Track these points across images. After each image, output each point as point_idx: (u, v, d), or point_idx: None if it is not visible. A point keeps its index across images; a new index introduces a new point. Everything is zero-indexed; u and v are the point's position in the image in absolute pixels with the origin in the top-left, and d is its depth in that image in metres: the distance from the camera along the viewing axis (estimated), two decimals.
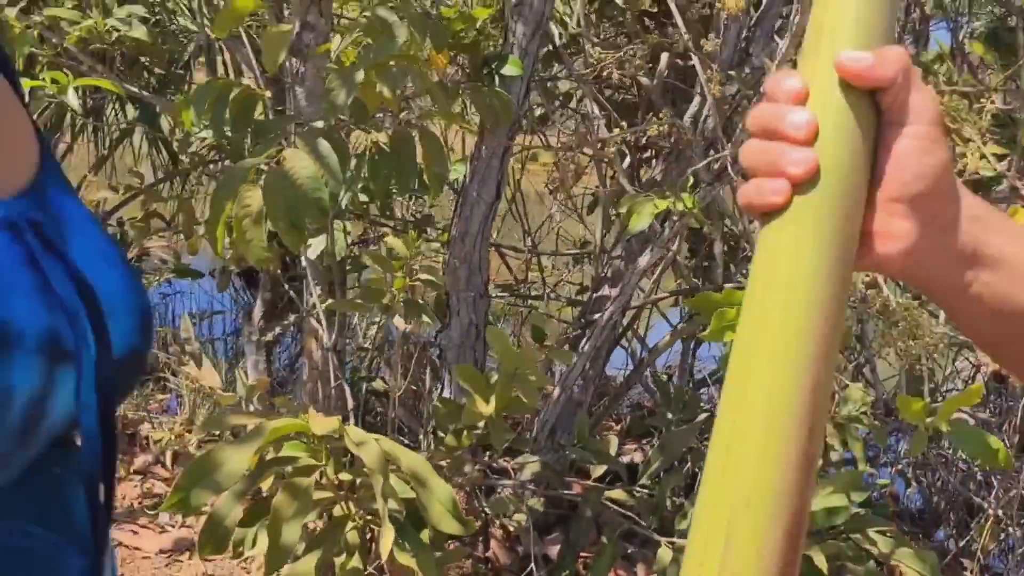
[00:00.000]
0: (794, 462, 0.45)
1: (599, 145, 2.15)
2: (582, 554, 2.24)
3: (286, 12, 2.03)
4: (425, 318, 1.72)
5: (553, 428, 2.34)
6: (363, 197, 2.31)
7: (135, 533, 2.30)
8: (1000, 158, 1.89)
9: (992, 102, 1.91)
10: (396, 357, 2.58)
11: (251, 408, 2.16)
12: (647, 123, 2.26)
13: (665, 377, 2.88)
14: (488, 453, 2.31)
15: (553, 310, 2.97)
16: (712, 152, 2.21)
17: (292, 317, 2.57)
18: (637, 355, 2.73)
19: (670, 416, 2.49)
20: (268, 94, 1.68)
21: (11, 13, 1.84)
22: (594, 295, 2.39)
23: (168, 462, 2.53)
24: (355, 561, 1.54)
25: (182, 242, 2.69)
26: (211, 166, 2.75)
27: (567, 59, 2.38)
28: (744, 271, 2.54)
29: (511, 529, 2.24)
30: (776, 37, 2.27)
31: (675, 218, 2.16)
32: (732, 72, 2.19)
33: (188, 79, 3.39)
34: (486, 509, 2.19)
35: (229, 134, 1.64)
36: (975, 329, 0.56)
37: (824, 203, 0.47)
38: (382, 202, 2.35)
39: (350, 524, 1.47)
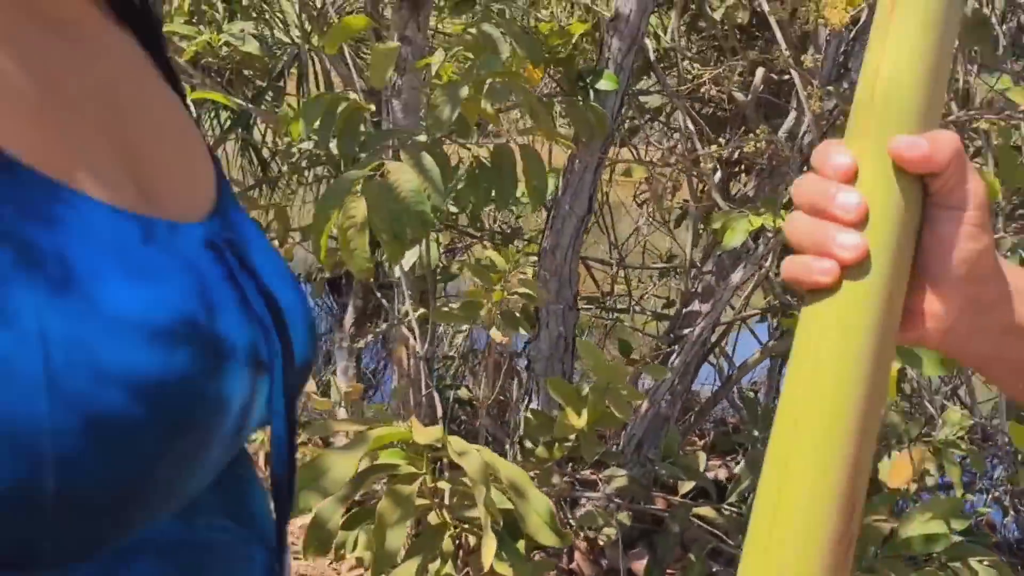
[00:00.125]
0: (835, 542, 0.46)
1: (694, 160, 2.14)
2: (667, 570, 2.23)
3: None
4: (522, 331, 1.74)
5: (640, 442, 2.33)
6: (453, 208, 2.35)
7: None
8: None
9: None
10: (482, 367, 2.61)
11: (343, 414, 2.21)
12: (740, 138, 2.25)
13: (751, 394, 2.84)
14: (570, 464, 2.32)
15: (638, 323, 2.97)
16: (808, 168, 2.19)
17: (383, 325, 2.62)
18: (724, 371, 2.71)
19: (756, 433, 2.46)
20: (372, 108, 1.72)
21: None
22: (684, 310, 2.38)
23: (262, 463, 2.60)
24: (448, 568, 1.57)
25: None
26: (306, 174, 2.82)
27: (660, 73, 2.38)
28: None
29: (596, 542, 2.25)
30: None
31: (770, 235, 2.14)
32: (830, 87, 2.16)
33: (283, 90, 3.49)
34: (571, 521, 2.19)
35: (334, 146, 1.69)
36: (1018, 392, 0.57)
37: (871, 285, 0.47)
38: (472, 213, 2.38)
39: (449, 532, 1.50)
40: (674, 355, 2.30)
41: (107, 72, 0.52)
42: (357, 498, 1.70)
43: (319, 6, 2.56)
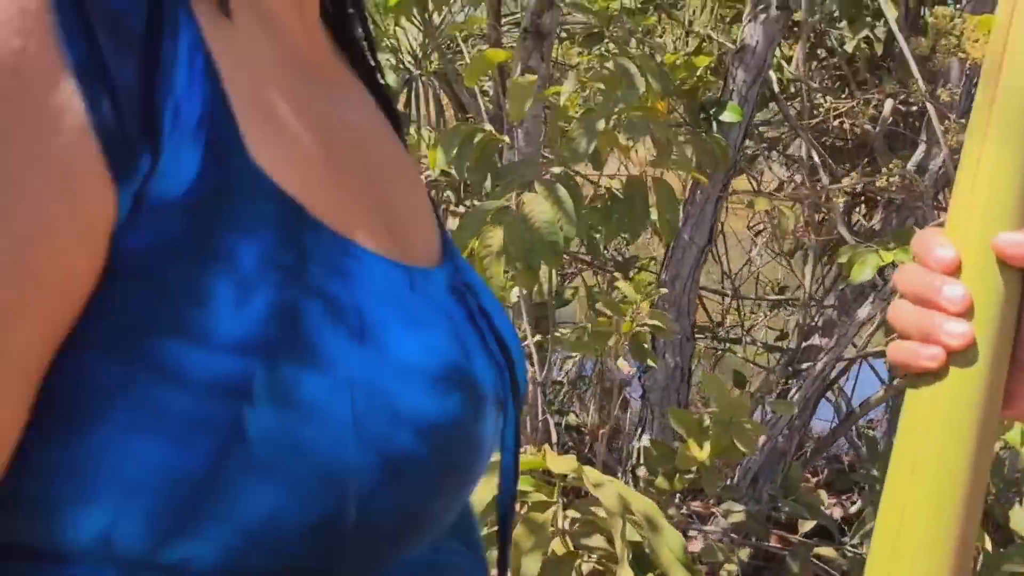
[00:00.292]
0: None
1: (821, 193, 2.12)
2: None
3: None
4: (650, 362, 1.74)
5: (755, 476, 2.30)
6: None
7: None
8: None
9: None
10: (590, 393, 2.62)
11: None
12: (865, 170, 2.21)
13: (869, 431, 2.77)
14: (676, 495, 2.30)
15: (750, 354, 2.93)
16: (939, 202, 2.14)
17: None
18: (842, 407, 2.65)
19: (876, 473, 2.40)
20: (506, 140, 1.76)
21: None
22: (803, 344, 2.35)
23: None
24: None
25: None
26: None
27: (784, 105, 2.36)
28: None
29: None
30: None
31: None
32: (964, 120, 2.11)
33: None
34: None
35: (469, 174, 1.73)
36: None
37: (977, 369, 0.51)
38: (591, 242, 2.40)
39: (577, 561, 1.51)
40: (793, 389, 2.27)
41: (356, 119, 0.55)
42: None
43: (435, 35, 2.62)
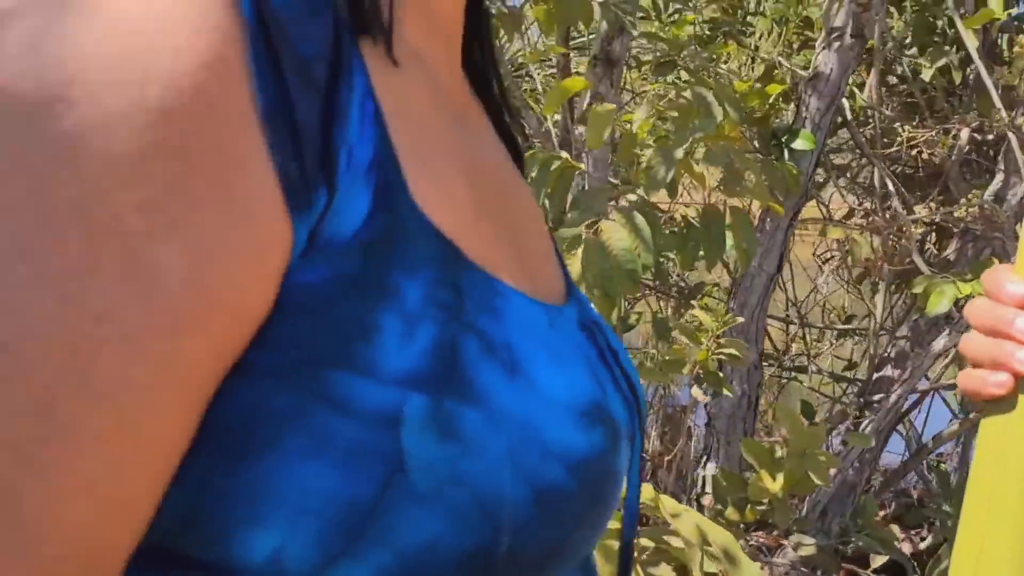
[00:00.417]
0: None
1: (898, 222, 2.09)
2: None
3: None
4: (727, 391, 1.73)
5: (824, 509, 2.27)
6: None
7: None
8: None
9: None
10: (652, 420, 2.60)
11: None
12: (939, 199, 2.18)
13: (941, 465, 2.72)
14: (742, 525, 2.27)
15: (815, 383, 2.89)
16: (1017, 232, 2.10)
17: None
18: (912, 440, 2.60)
19: (948, 508, 2.35)
20: (583, 167, 1.77)
21: None
22: (874, 375, 2.31)
23: None
24: None
25: None
26: None
27: (856, 132, 2.34)
28: None
29: None
30: None
31: None
32: None
33: None
34: None
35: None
36: None
37: None
38: (660, 268, 2.40)
39: None
40: (865, 421, 2.23)
41: (493, 159, 0.57)
42: None
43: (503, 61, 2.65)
